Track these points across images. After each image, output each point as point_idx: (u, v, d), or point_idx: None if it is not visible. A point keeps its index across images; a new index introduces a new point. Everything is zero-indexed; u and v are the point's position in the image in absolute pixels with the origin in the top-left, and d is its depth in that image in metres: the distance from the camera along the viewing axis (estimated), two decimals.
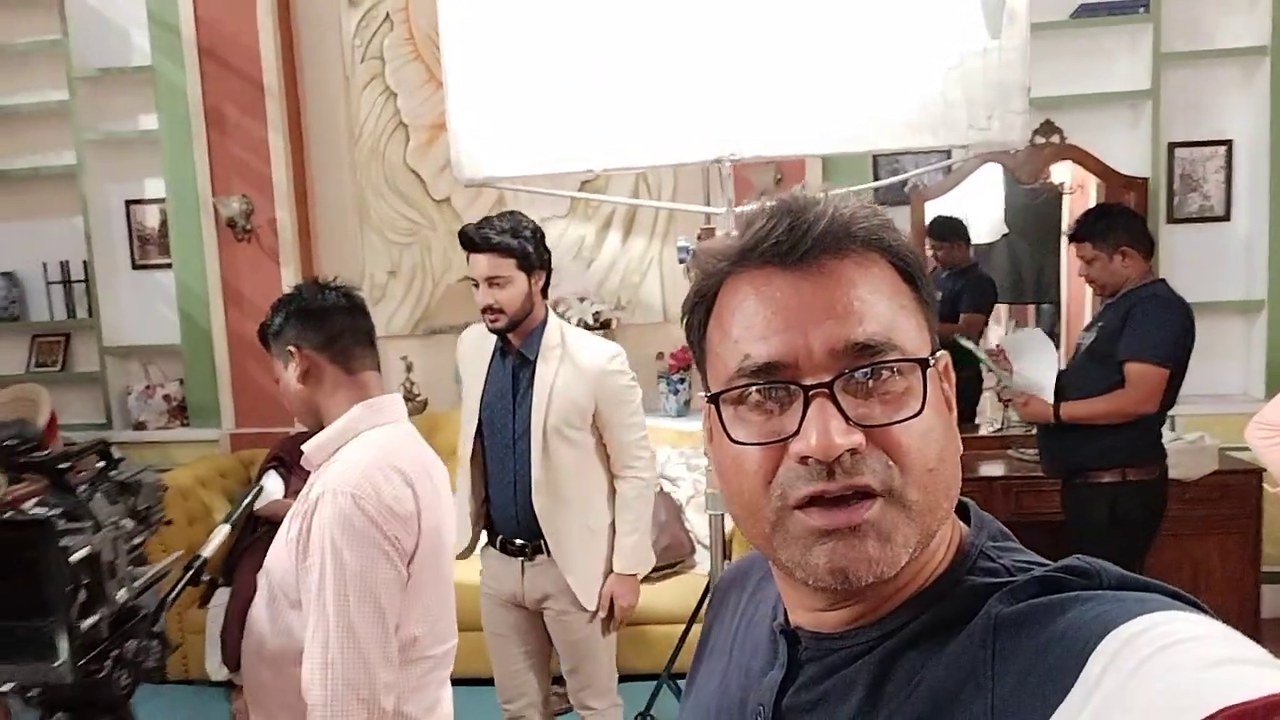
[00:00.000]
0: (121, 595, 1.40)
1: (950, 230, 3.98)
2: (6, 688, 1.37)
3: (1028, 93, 1.80)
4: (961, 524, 0.67)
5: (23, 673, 1.34)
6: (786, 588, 0.70)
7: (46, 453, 1.45)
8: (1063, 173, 3.96)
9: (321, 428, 1.55)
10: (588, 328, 4.08)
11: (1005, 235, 4.14)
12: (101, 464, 1.49)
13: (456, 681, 3.18)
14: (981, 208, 4.08)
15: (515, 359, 2.34)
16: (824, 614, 0.66)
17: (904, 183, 3.97)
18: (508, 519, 2.38)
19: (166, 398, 4.39)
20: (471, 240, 2.24)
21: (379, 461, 1.44)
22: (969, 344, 3.13)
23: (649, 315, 4.23)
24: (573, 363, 2.30)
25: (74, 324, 4.48)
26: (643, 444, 2.40)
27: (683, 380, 4.09)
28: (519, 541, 2.37)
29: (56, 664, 1.32)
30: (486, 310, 2.25)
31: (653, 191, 4.16)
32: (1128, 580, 0.57)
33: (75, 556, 1.31)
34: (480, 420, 2.39)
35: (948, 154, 3.84)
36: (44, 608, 1.32)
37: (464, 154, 2.04)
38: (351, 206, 4.34)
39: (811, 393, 0.60)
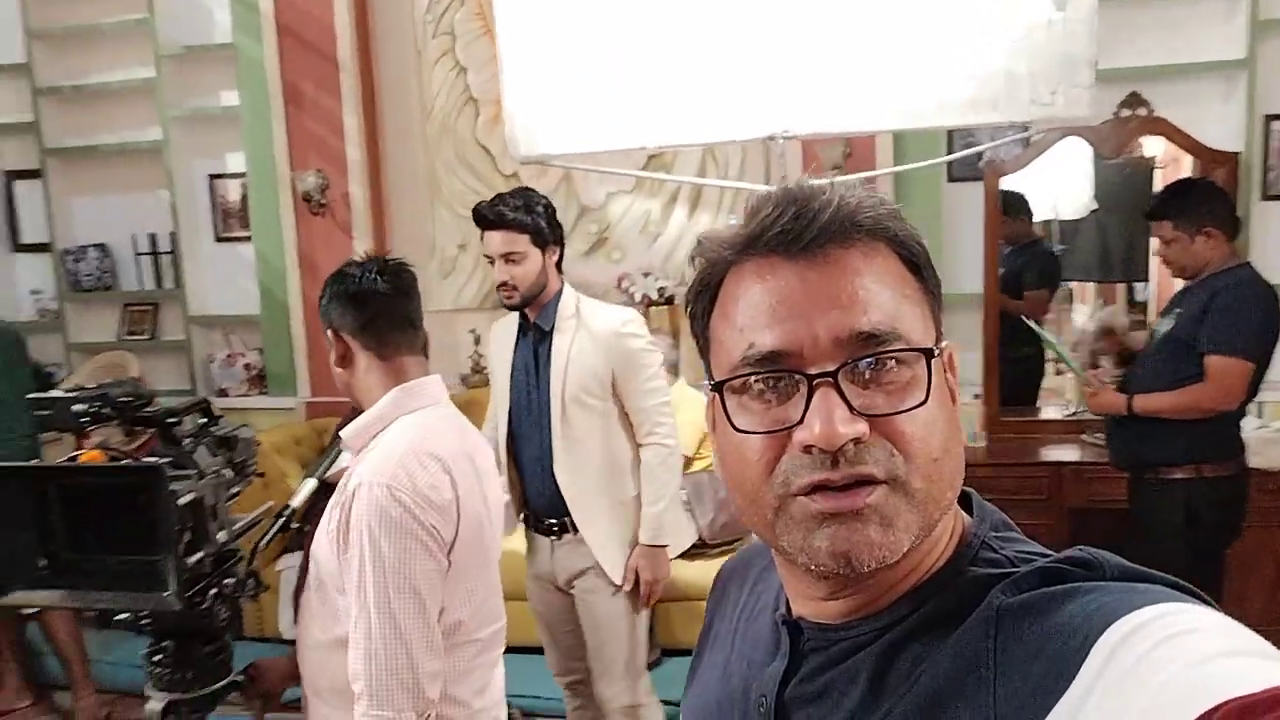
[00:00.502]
0: (221, 536, 1.60)
1: (1011, 204, 3.86)
2: (123, 615, 1.60)
3: (1094, 66, 1.73)
4: (964, 514, 0.67)
5: (137, 601, 1.52)
6: (789, 577, 0.70)
7: (156, 409, 1.67)
8: (1155, 146, 3.79)
9: (361, 411, 1.55)
10: (652, 303, 4.08)
11: (1094, 211, 3.99)
12: (203, 420, 1.70)
13: (515, 650, 3.28)
14: (1064, 183, 3.94)
15: (534, 334, 2.36)
16: (826, 604, 0.66)
17: (979, 157, 3.85)
18: (538, 496, 2.40)
19: (247, 366, 4.56)
20: (485, 217, 2.25)
21: (415, 449, 1.44)
22: (1039, 328, 3.03)
23: None
24: (587, 330, 2.31)
25: (161, 294, 4.67)
26: (664, 410, 2.37)
27: None
28: (549, 520, 2.39)
29: (166, 594, 1.48)
30: (501, 286, 2.27)
31: (719, 166, 4.12)
32: (1130, 571, 0.57)
33: (182, 500, 1.50)
34: (510, 402, 2.41)
35: (1025, 126, 3.71)
36: (155, 545, 1.49)
37: (519, 131, 2.06)
38: (423, 181, 4.41)
39: (815, 382, 0.60)
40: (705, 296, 0.68)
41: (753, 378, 0.62)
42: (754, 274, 0.64)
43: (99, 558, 1.56)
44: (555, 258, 2.33)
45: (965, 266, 3.88)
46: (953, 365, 0.68)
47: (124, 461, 1.54)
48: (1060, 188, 3.95)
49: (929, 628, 0.61)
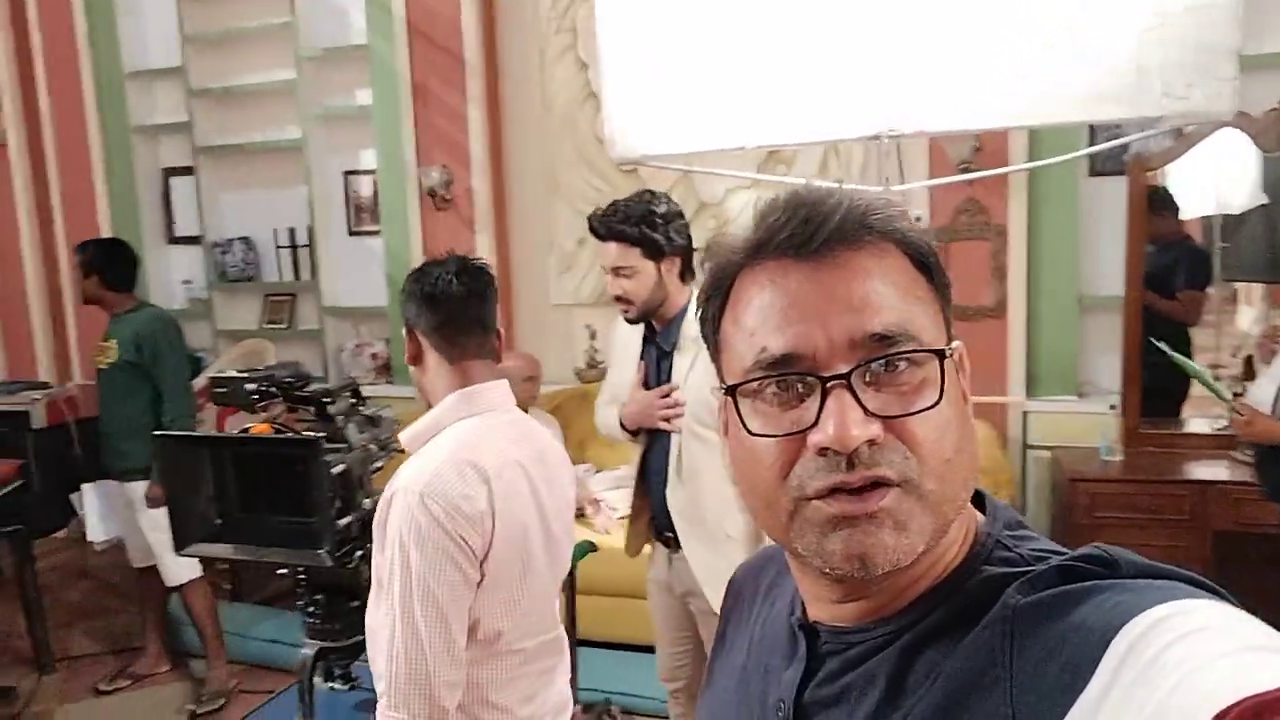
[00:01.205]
0: (367, 504, 1.83)
1: (1156, 200, 3.57)
2: (283, 570, 1.88)
3: (1237, 56, 1.57)
4: (977, 513, 0.67)
5: (295, 557, 1.77)
6: (804, 580, 0.70)
7: (314, 389, 1.98)
8: None
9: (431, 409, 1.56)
10: None
11: (1264, 206, 3.64)
12: (353, 400, 1.97)
13: (626, 647, 3.29)
14: (1222, 176, 3.63)
15: (656, 350, 2.26)
16: (842, 606, 0.66)
17: (1123, 150, 3.59)
18: (659, 507, 2.31)
19: (374, 356, 4.73)
20: (596, 230, 2.15)
21: (454, 457, 1.43)
22: (1189, 365, 2.78)
23: None
24: (706, 357, 2.19)
25: (299, 285, 4.90)
26: None
27: None
28: (667, 533, 2.30)
29: (319, 552, 1.71)
30: (617, 300, 2.17)
31: (842, 163, 4.00)
32: (1147, 568, 0.56)
33: (334, 470, 1.76)
34: None
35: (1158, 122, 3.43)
36: (311, 508, 1.73)
37: (618, 132, 2.03)
38: (542, 176, 4.46)
39: (829, 384, 0.60)
40: (716, 300, 0.69)
41: (766, 381, 0.62)
42: (765, 278, 0.64)
43: (265, 518, 1.84)
44: (676, 269, 2.17)
45: (1105, 266, 3.64)
46: (964, 365, 0.66)
47: (287, 435, 1.82)
48: (1218, 182, 3.64)
49: (946, 629, 0.61)
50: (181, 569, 3.34)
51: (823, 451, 0.59)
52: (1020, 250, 3.65)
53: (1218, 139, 3.41)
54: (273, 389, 1.95)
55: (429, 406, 1.57)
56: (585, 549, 2.68)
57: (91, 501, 3.48)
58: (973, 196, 3.69)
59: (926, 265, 0.66)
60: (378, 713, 1.39)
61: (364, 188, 4.76)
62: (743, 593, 0.85)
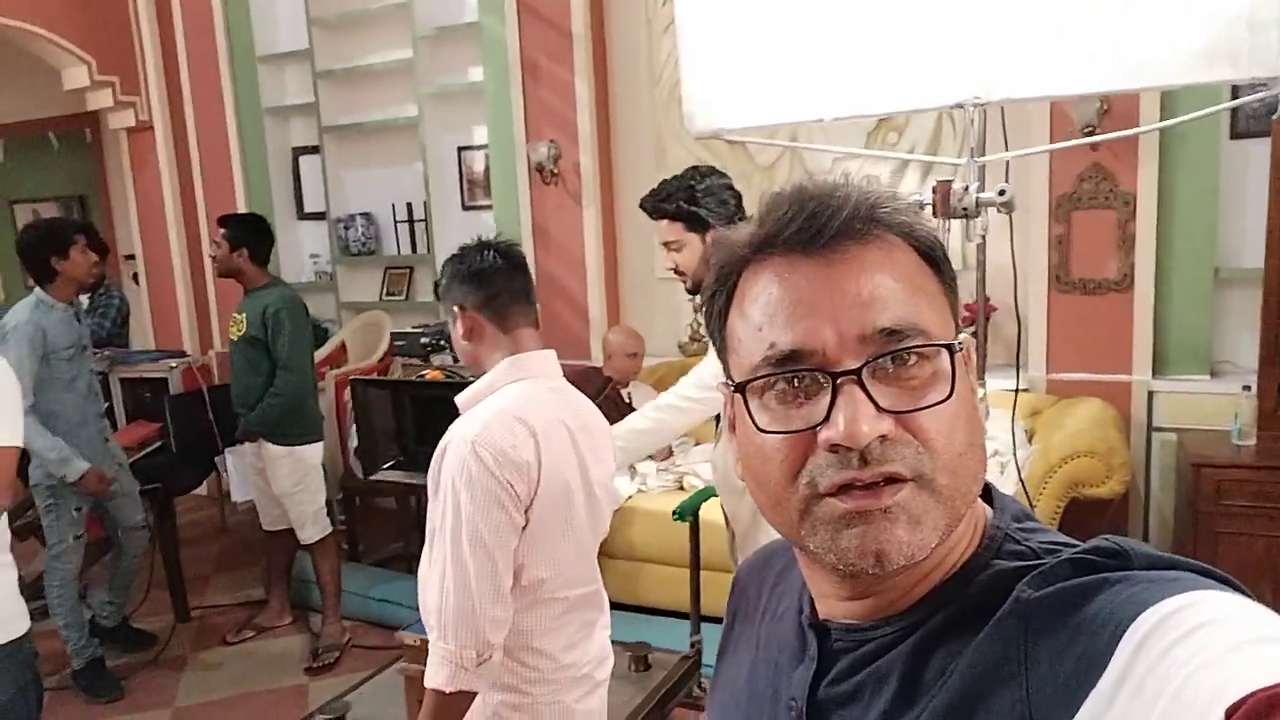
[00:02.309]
0: None
1: None
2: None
3: None
4: (985, 506, 0.67)
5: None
6: (813, 577, 0.70)
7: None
8: None
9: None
10: None
11: None
12: None
13: (648, 610, 3.35)
14: None
15: None
16: (852, 604, 0.66)
17: (1271, 110, 3.30)
18: None
19: None
20: (645, 209, 2.27)
21: (504, 413, 1.53)
22: None
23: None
24: None
25: (416, 258, 5.07)
26: None
27: (973, 333, 3.78)
28: None
29: None
30: (674, 273, 2.28)
31: (956, 129, 3.83)
32: (1158, 560, 0.56)
33: None
34: None
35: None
36: None
37: (697, 106, 2.01)
38: (650, 149, 4.45)
39: (840, 380, 0.59)
40: (722, 296, 0.68)
41: (774, 378, 0.62)
42: (772, 273, 0.64)
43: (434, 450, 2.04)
44: None
45: (1246, 236, 3.38)
46: (970, 358, 0.65)
47: (454, 379, 2.14)
48: None
49: (959, 625, 0.60)
50: (313, 529, 3.56)
51: (834, 448, 0.59)
52: (1150, 219, 3.42)
53: None
54: (441, 341, 2.46)
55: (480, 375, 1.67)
56: (709, 493, 2.79)
57: (233, 464, 3.74)
58: (1098, 162, 3.48)
59: (934, 259, 0.65)
60: (430, 647, 1.50)
61: (477, 163, 4.86)
62: (748, 590, 0.85)
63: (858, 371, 0.59)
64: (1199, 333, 3.44)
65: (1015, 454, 2.32)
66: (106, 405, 3.73)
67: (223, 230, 3.51)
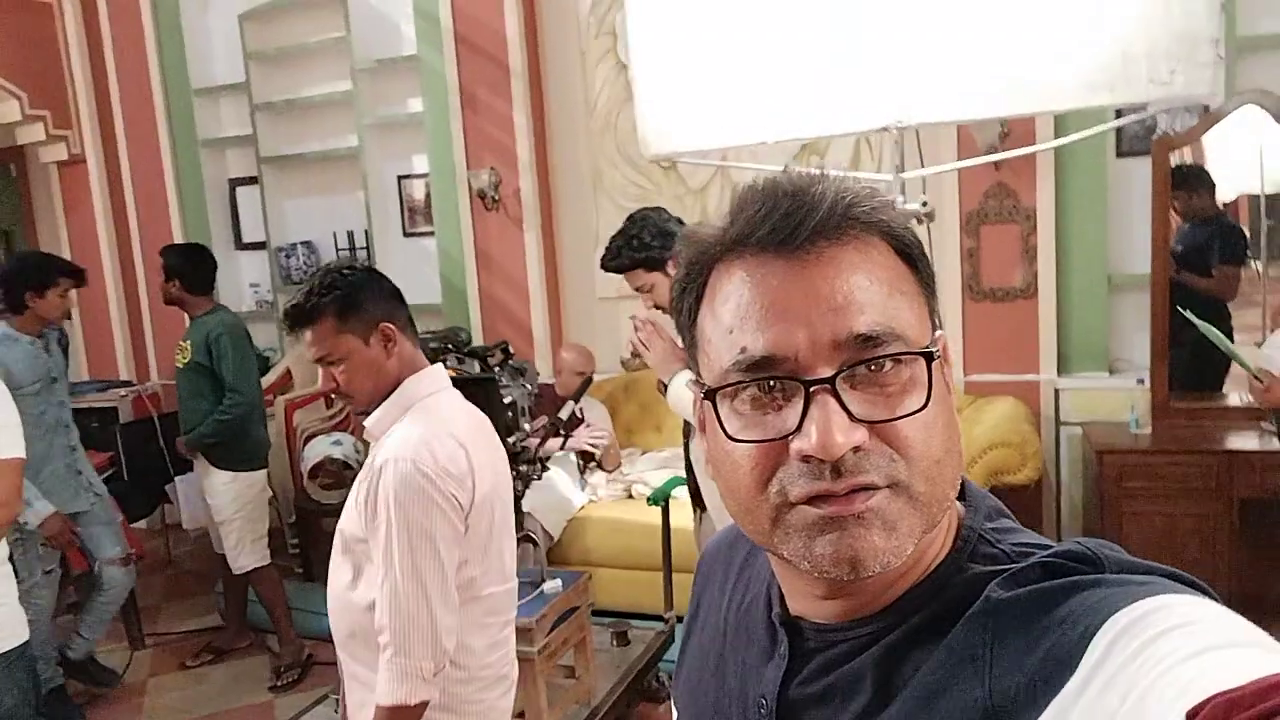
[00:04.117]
0: (527, 428, 2.69)
1: (1189, 178, 3.65)
2: None
3: (1217, 43, 1.69)
4: (958, 504, 0.66)
5: None
6: (786, 576, 0.68)
7: (475, 345, 2.78)
8: None
9: (377, 402, 1.68)
10: None
11: None
12: (504, 356, 2.77)
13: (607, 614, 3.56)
14: (1253, 154, 3.69)
15: None
16: (825, 603, 0.65)
17: (1150, 131, 3.68)
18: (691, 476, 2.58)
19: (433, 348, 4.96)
20: (607, 269, 2.36)
21: (433, 429, 1.59)
22: (1211, 332, 2.87)
23: None
24: None
25: None
26: None
27: None
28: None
29: None
30: (660, 309, 2.30)
31: (874, 154, 4.13)
32: (1128, 564, 0.56)
33: (506, 400, 2.57)
34: None
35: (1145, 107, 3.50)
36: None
37: (649, 130, 2.21)
38: (586, 175, 4.65)
39: (812, 389, 0.57)
40: (691, 294, 0.66)
41: (746, 384, 0.60)
42: (744, 272, 0.61)
43: None
44: None
45: (1134, 245, 3.73)
46: (947, 356, 0.65)
47: (469, 375, 2.56)
48: (1246, 159, 3.70)
49: (932, 629, 0.60)
50: (249, 558, 3.60)
51: (806, 459, 0.57)
52: (1049, 232, 3.75)
53: (1240, 117, 3.48)
54: (449, 345, 2.61)
55: (378, 401, 1.68)
56: (677, 481, 3.16)
57: (183, 491, 3.77)
58: (1001, 181, 3.80)
59: (911, 256, 0.63)
60: (382, 665, 1.52)
61: (417, 191, 5.00)
62: (713, 571, 0.83)
63: (831, 380, 0.57)
64: (1097, 334, 3.78)
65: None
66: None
67: (161, 261, 3.58)
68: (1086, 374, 3.78)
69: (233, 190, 5.47)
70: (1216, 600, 0.53)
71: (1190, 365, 3.62)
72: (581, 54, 4.59)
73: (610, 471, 4.02)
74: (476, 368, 2.69)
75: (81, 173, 5.45)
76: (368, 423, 1.68)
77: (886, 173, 2.10)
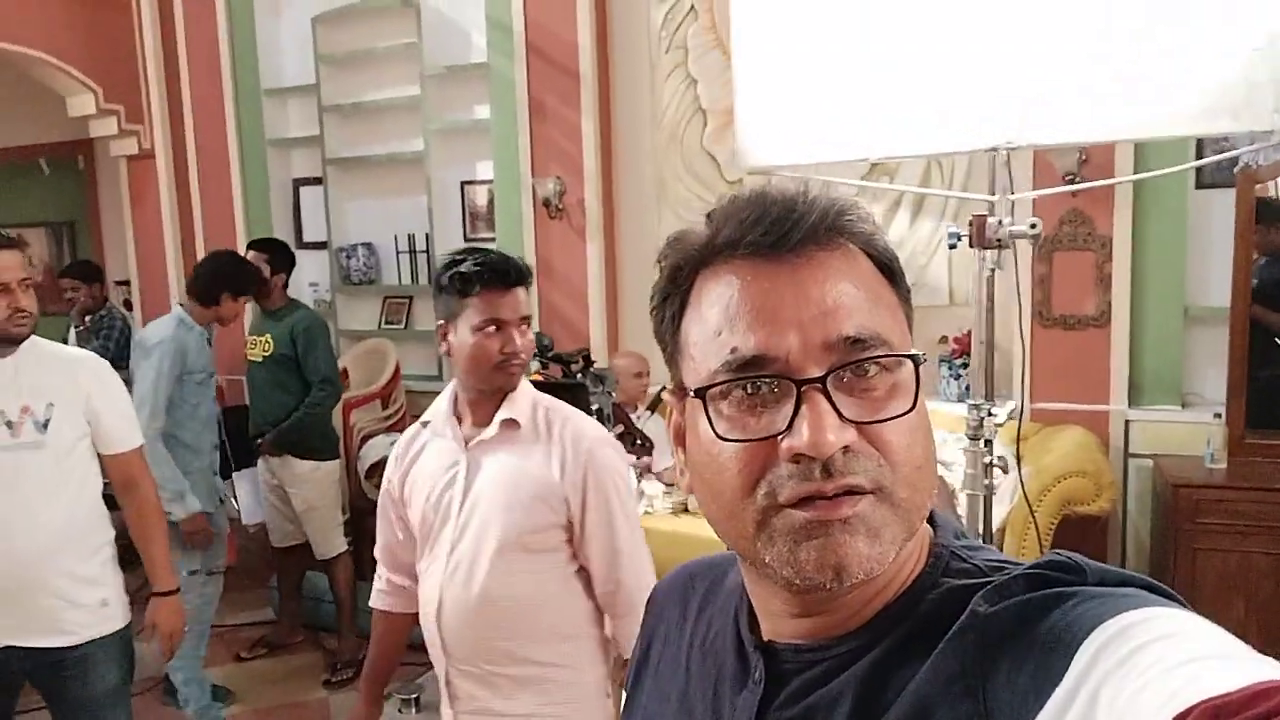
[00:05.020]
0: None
1: (1270, 212, 3.59)
2: None
3: None
4: (926, 525, 0.66)
5: None
6: (762, 594, 0.67)
7: (560, 352, 3.00)
8: None
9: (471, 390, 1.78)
10: None
11: None
12: (584, 362, 2.95)
13: None
14: None
15: None
16: (800, 622, 0.64)
17: (1233, 163, 3.62)
18: None
19: None
20: None
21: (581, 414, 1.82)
22: None
23: (933, 297, 4.18)
24: None
25: (416, 288, 5.19)
26: None
27: (965, 365, 4.02)
28: None
29: None
30: None
31: (945, 174, 4.10)
32: (1108, 575, 0.57)
33: (594, 406, 2.75)
34: None
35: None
36: None
37: (748, 143, 2.20)
38: (651, 187, 4.66)
39: (804, 388, 0.58)
40: (674, 301, 0.66)
41: (735, 384, 0.60)
42: (733, 276, 0.62)
43: None
44: None
45: (1213, 278, 3.67)
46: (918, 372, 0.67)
47: (557, 381, 2.78)
48: None
49: (912, 644, 0.60)
50: (333, 543, 3.64)
51: (797, 458, 0.57)
52: (1125, 261, 3.70)
53: None
54: (535, 351, 2.54)
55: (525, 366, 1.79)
56: None
57: (243, 486, 3.80)
58: (1077, 207, 3.76)
59: (890, 270, 0.65)
60: (619, 617, 1.74)
61: (480, 197, 5.03)
62: (666, 611, 0.82)
63: (823, 379, 0.58)
64: (1171, 366, 3.71)
65: (1020, 471, 2.51)
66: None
67: (264, 256, 3.62)
68: (1159, 406, 3.71)
69: (296, 190, 5.53)
70: (1193, 611, 0.53)
71: (1267, 401, 3.56)
72: (651, 66, 4.61)
73: (669, 485, 4.00)
74: (559, 374, 2.72)
75: (149, 167, 5.54)
76: (520, 417, 1.72)
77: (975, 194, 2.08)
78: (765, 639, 0.67)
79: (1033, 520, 2.92)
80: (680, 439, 0.67)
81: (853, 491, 0.58)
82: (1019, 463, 2.49)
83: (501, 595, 1.68)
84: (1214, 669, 0.46)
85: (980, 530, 2.15)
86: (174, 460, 3.05)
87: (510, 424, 1.72)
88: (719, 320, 0.61)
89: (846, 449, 0.57)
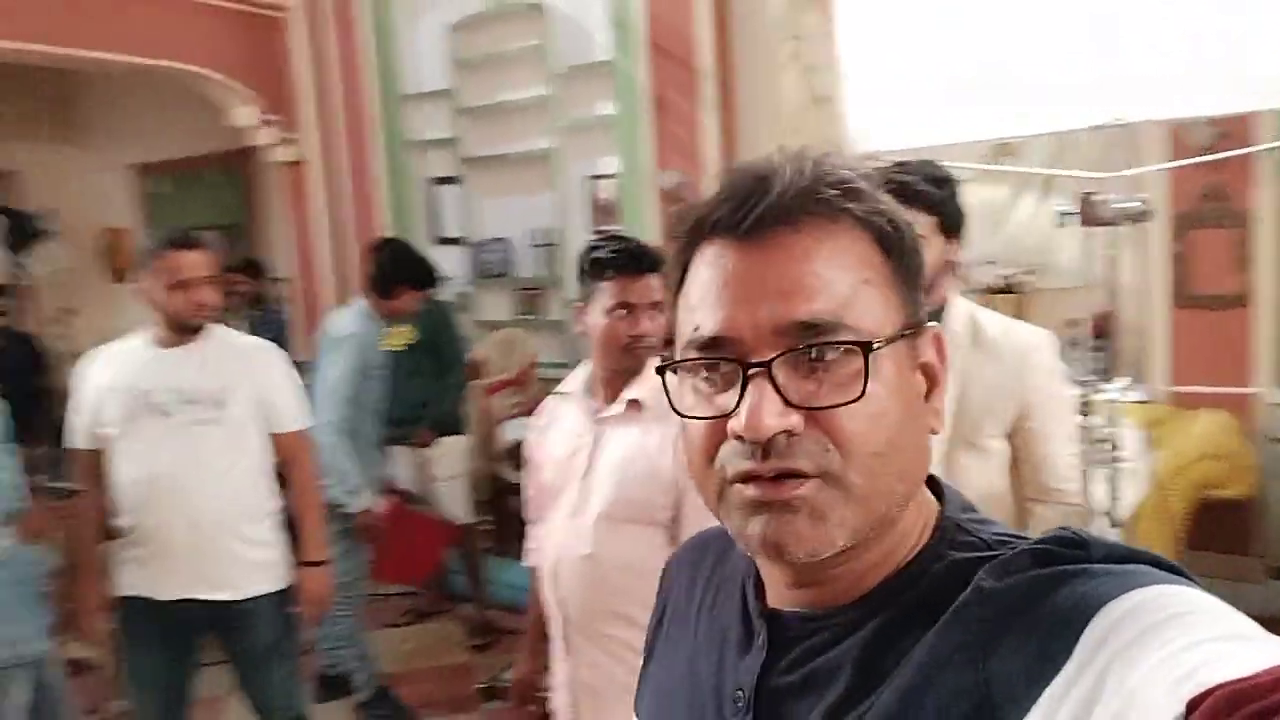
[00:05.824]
0: None
1: None
2: None
3: None
4: (934, 499, 0.67)
5: None
6: (762, 564, 0.70)
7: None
8: None
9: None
10: (992, 292, 4.08)
11: None
12: None
13: None
14: None
15: None
16: (798, 592, 0.66)
17: None
18: None
19: None
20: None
21: None
22: None
23: (1062, 279, 4.11)
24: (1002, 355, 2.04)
25: (546, 280, 5.42)
26: None
27: (1100, 349, 3.93)
28: None
29: None
30: None
31: (1080, 154, 4.01)
32: (1115, 551, 0.56)
33: None
34: None
35: None
36: None
37: (860, 130, 2.27)
38: None
39: (750, 371, 0.59)
40: (675, 275, 0.69)
41: (696, 362, 0.63)
42: (711, 255, 0.64)
43: None
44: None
45: None
46: (942, 350, 0.66)
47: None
48: None
49: (915, 614, 0.60)
50: (469, 511, 3.93)
51: (740, 438, 0.59)
52: (1270, 237, 3.55)
53: None
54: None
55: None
56: None
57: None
58: (1216, 183, 3.62)
59: (887, 245, 0.63)
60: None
61: (604, 191, 5.20)
62: (679, 577, 0.84)
63: (768, 364, 0.59)
64: None
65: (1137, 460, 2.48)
66: None
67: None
68: None
69: (433, 189, 5.84)
70: (1198, 584, 0.53)
71: None
72: (770, 57, 4.66)
73: None
74: None
75: (303, 172, 5.97)
76: (643, 398, 1.77)
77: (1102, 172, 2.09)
78: (771, 607, 0.69)
79: (1169, 504, 2.86)
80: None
81: (794, 474, 0.59)
82: (1149, 446, 2.46)
83: (610, 561, 1.77)
84: (1230, 651, 0.45)
85: (1108, 510, 2.15)
86: (353, 453, 3.09)
87: (635, 404, 1.80)
88: (695, 297, 0.64)
89: (791, 434, 0.58)
